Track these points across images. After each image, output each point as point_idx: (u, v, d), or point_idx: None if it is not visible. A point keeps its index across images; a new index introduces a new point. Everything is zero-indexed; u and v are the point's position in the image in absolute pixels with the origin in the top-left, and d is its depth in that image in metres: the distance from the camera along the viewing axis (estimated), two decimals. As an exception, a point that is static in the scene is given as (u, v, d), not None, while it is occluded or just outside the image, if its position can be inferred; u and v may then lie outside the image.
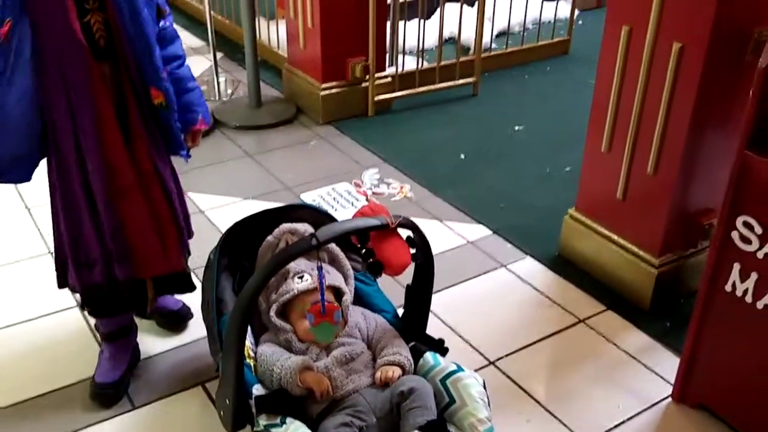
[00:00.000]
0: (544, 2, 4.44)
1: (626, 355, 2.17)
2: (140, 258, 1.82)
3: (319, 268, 1.61)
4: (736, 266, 1.74)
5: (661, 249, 2.29)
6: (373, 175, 3.15)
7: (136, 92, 1.73)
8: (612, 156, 2.34)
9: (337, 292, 1.71)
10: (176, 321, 2.21)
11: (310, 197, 2.94)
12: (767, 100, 1.61)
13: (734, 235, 1.72)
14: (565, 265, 2.57)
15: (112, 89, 1.71)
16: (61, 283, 1.92)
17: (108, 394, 1.96)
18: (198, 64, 4.17)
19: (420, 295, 1.76)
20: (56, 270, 1.91)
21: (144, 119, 1.76)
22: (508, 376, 2.09)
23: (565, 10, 4.55)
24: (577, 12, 4.53)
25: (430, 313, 1.79)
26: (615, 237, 2.41)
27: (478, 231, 2.76)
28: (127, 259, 1.81)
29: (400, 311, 1.82)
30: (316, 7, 3.36)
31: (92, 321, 2.11)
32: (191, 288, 2.06)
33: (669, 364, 2.09)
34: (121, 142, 1.73)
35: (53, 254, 1.92)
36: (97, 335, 2.09)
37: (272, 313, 1.68)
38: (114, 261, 1.81)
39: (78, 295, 1.98)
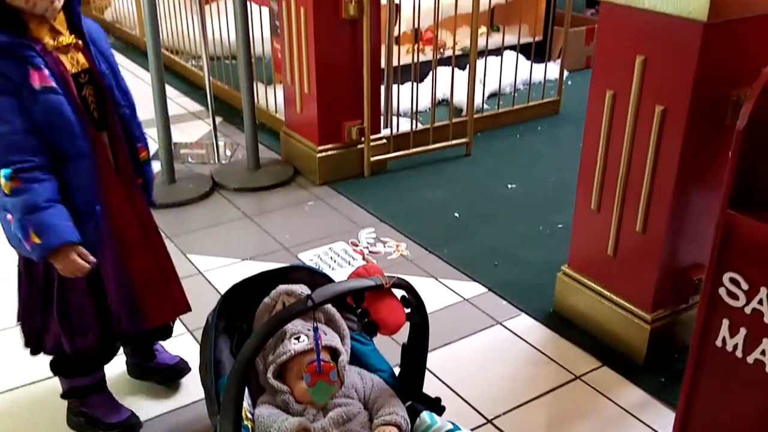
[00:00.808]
0: (534, 64, 4.56)
1: (623, 411, 2.18)
2: (149, 310, 1.87)
3: (315, 328, 1.63)
4: (725, 322, 1.77)
5: (653, 305, 2.32)
6: (369, 234, 3.19)
7: (126, 154, 1.83)
8: (601, 214, 2.39)
9: (334, 353, 1.73)
10: (173, 376, 2.22)
11: (307, 257, 2.98)
12: (746, 161, 1.67)
13: (722, 291, 1.75)
14: (560, 321, 2.59)
15: (110, 155, 1.78)
16: (35, 351, 1.91)
17: (129, 426, 1.99)
18: (198, 128, 4.28)
19: (416, 353, 1.78)
20: (27, 338, 1.89)
21: (137, 175, 1.87)
22: (506, 435, 2.09)
23: (554, 71, 4.67)
24: (566, 73, 4.66)
25: (427, 372, 1.81)
26: (608, 293, 2.44)
27: (473, 288, 2.79)
28: (137, 314, 1.85)
29: (397, 370, 1.84)
30: (313, 73, 3.47)
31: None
32: (169, 333, 2.10)
33: (665, 419, 2.10)
34: (128, 205, 1.81)
35: (20, 324, 1.89)
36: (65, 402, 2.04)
37: (269, 374, 1.69)
38: (123, 320, 1.84)
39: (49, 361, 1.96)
